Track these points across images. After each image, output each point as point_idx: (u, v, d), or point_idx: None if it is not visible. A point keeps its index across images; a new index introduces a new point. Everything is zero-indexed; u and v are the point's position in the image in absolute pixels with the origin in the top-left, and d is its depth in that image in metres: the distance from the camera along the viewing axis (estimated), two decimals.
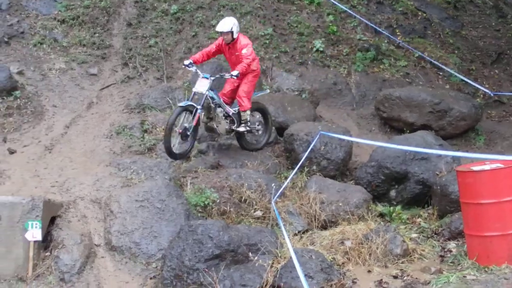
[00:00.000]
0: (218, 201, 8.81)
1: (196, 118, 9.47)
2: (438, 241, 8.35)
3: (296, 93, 12.77)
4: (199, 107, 9.46)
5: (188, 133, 9.44)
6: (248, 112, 10.22)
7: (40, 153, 10.07)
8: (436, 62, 14.36)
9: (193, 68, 9.83)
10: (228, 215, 8.74)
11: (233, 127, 10.20)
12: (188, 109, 9.45)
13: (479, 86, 12.20)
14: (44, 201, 7.81)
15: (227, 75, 9.81)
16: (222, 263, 7.11)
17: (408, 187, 9.79)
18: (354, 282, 7.36)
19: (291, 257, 7.04)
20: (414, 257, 7.88)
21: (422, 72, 14.74)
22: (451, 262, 7.58)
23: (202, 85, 9.49)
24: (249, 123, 10.31)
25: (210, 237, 7.18)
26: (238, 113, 10.21)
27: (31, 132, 10.85)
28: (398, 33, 15.62)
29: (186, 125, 9.40)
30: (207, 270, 7.00)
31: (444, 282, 6.80)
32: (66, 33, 13.50)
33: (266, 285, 7.06)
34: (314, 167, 10.17)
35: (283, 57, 13.96)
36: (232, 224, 8.27)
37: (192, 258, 7.09)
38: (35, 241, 7.60)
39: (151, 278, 7.59)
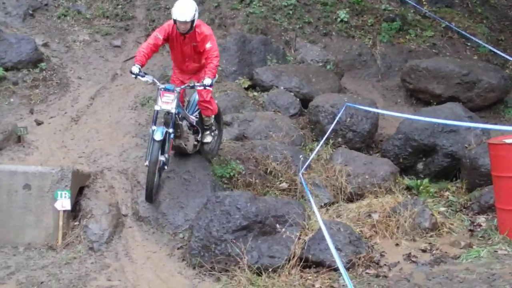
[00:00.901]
0: (243, 172, 8.80)
1: (170, 145, 8.06)
2: (467, 215, 8.28)
3: (321, 64, 12.65)
4: (170, 130, 7.80)
5: (166, 166, 8.08)
6: (213, 116, 8.64)
7: (67, 124, 10.11)
8: (463, 32, 14.07)
9: (149, 78, 7.85)
10: (253, 187, 8.73)
11: (199, 138, 8.61)
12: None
13: (508, 57, 11.96)
14: (72, 171, 7.86)
15: (198, 85, 7.92)
16: (249, 234, 7.12)
17: (436, 160, 9.71)
18: (382, 255, 7.33)
19: (319, 229, 7.05)
20: (443, 231, 7.82)
21: (449, 42, 14.48)
22: (481, 237, 7.51)
23: (168, 101, 7.70)
24: (213, 129, 8.80)
25: (237, 208, 7.18)
26: (201, 119, 8.55)
27: (57, 103, 10.88)
28: (424, 3, 15.30)
29: (163, 159, 7.87)
30: (234, 241, 7.01)
31: (475, 257, 6.75)
32: (89, 5, 13.45)
33: (293, 257, 7.06)
34: (340, 139, 10.11)
35: (307, 27, 13.82)
36: (258, 195, 8.26)
37: (220, 229, 7.11)
38: (64, 211, 7.68)
39: (178, 249, 7.63)
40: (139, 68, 7.71)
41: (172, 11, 7.83)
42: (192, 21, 7.74)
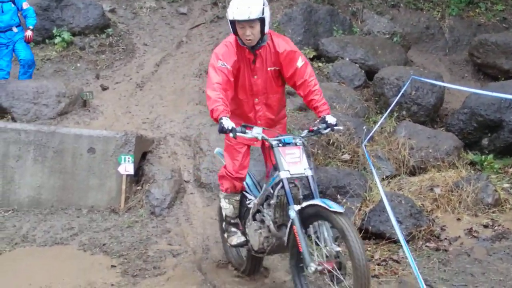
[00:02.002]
0: (306, 143, 8.71)
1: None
2: None
3: (387, 36, 12.37)
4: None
5: None
6: None
7: (132, 90, 10.25)
8: None
9: (257, 132, 5.02)
10: (315, 157, 8.66)
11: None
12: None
13: None
14: (136, 136, 7.98)
15: (325, 130, 5.21)
16: None
17: (501, 136, 9.42)
18: (443, 229, 7.21)
19: (380, 201, 6.97)
20: (506, 207, 7.64)
21: None
22: None
23: (296, 160, 5.06)
24: None
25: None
26: None
27: (122, 69, 11.04)
28: None
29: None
30: None
31: None
32: None
33: None
34: (404, 112, 9.91)
35: None
36: (320, 166, 8.20)
37: None
38: (127, 175, 7.81)
39: None
40: (233, 126, 4.79)
41: (228, 11, 5.17)
42: (262, 21, 4.97)
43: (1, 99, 9.01)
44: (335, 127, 5.11)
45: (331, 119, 5.08)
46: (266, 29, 5.03)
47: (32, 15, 10.00)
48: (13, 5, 9.92)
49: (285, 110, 5.84)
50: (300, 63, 5.18)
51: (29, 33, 9.91)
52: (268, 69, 5.25)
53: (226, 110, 4.91)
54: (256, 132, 4.99)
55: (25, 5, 9.95)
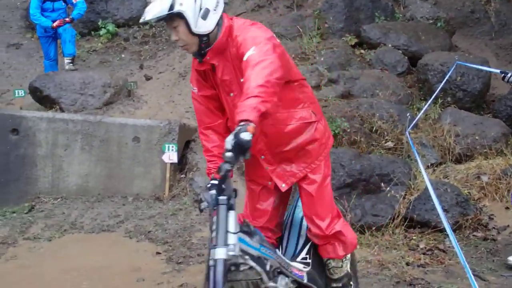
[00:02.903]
0: (348, 130, 8.67)
1: None
2: None
3: (431, 21, 12.16)
4: None
5: None
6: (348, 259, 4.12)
7: (174, 80, 10.33)
8: None
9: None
10: (358, 145, 8.59)
11: None
12: None
13: None
14: (180, 125, 8.05)
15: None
16: (353, 192, 7.07)
17: None
18: (491, 218, 7.12)
19: (425, 189, 6.91)
20: None
21: None
22: None
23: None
24: None
25: (342, 165, 7.13)
26: (318, 266, 4.09)
27: (165, 59, 11.13)
28: None
29: None
30: (338, 198, 6.94)
31: None
32: None
33: (397, 216, 6.98)
34: (449, 99, 9.76)
35: None
36: (362, 154, 8.16)
37: None
38: (171, 163, 7.89)
39: None
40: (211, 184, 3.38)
41: None
42: (180, 15, 3.42)
43: (49, 90, 9.19)
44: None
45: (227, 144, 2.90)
46: (194, 27, 3.44)
47: (80, 8, 10.09)
48: (63, 3, 10.08)
49: (316, 130, 3.72)
50: (250, 52, 3.32)
51: (66, 19, 9.94)
52: (241, 80, 3.39)
53: (210, 168, 3.94)
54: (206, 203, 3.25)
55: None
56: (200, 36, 3.51)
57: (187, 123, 8.55)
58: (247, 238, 3.32)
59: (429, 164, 8.44)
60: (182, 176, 8.11)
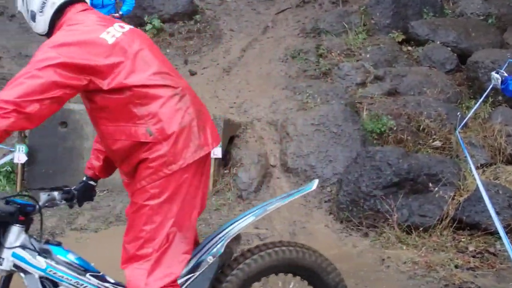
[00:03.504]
0: (394, 128, 8.52)
1: None
2: None
3: (481, 18, 11.86)
4: None
5: None
6: None
7: (219, 75, 10.31)
8: None
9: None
10: (404, 144, 8.44)
11: None
12: None
13: None
14: (224, 120, 7.99)
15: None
16: (400, 192, 6.89)
17: None
18: None
19: (475, 190, 6.71)
20: None
21: None
22: None
23: None
24: None
25: (389, 164, 6.97)
26: None
27: (209, 54, 11.12)
28: None
29: None
30: (384, 198, 6.82)
31: None
32: None
33: (446, 217, 6.77)
34: (500, 98, 9.46)
35: None
36: (410, 153, 7.98)
37: (370, 184, 6.94)
38: (215, 158, 7.83)
39: (325, 202, 7.57)
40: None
41: None
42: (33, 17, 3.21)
43: None
44: None
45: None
46: (33, 28, 3.26)
47: (129, 4, 10.14)
48: None
49: (150, 151, 2.99)
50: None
51: (115, 15, 9.99)
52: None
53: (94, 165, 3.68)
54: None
55: None
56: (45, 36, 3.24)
57: (231, 119, 8.50)
58: (29, 256, 3.06)
59: (479, 165, 8.19)
60: (226, 171, 8.07)
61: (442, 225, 6.73)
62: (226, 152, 8.18)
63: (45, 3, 3.15)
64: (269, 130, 8.67)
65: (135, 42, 3.04)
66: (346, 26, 11.21)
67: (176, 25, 11.89)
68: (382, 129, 8.45)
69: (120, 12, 10.07)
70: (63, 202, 3.35)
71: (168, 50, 11.32)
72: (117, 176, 7.71)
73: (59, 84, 2.79)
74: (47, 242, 3.19)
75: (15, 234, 3.04)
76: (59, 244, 3.21)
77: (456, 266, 5.99)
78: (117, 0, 10.24)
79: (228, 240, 3.22)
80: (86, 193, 3.46)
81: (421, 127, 8.64)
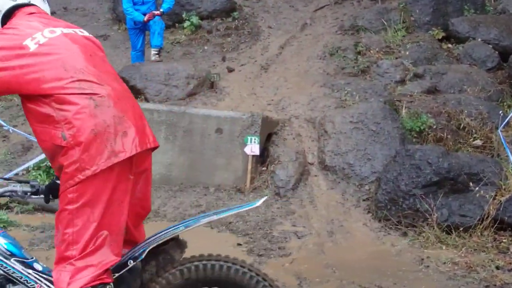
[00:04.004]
0: (434, 127, 8.44)
1: None
2: None
3: None
4: None
5: None
6: None
7: (256, 72, 10.32)
8: None
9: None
10: (444, 142, 8.35)
11: None
12: None
13: None
14: (262, 117, 8.03)
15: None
16: (440, 191, 6.82)
17: None
18: None
19: None
20: None
21: None
22: None
23: None
24: None
25: (428, 163, 6.90)
26: None
27: (247, 52, 11.14)
28: None
29: None
30: (424, 197, 6.76)
31: None
32: None
33: (487, 217, 6.67)
34: None
35: None
36: (450, 151, 7.89)
37: (409, 183, 6.89)
38: (253, 156, 7.88)
39: (363, 200, 7.54)
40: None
41: None
42: None
43: (135, 80, 9.41)
44: None
45: None
46: None
47: (170, 2, 10.26)
48: None
49: (63, 156, 3.03)
50: None
51: (156, 12, 10.11)
52: None
53: None
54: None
55: None
56: None
57: (269, 116, 8.51)
58: None
59: None
60: (264, 168, 8.08)
61: (483, 225, 6.64)
62: (264, 150, 8.20)
63: None
64: (307, 128, 8.66)
65: (60, 48, 3.10)
66: (385, 23, 11.13)
67: (214, 22, 11.93)
68: (422, 128, 8.38)
69: (161, 10, 10.16)
70: (27, 195, 3.40)
71: (206, 47, 11.38)
72: (155, 171, 7.79)
73: None
74: None
75: None
76: None
77: (497, 267, 5.92)
78: None
79: (150, 248, 3.19)
80: (52, 191, 3.41)
81: (462, 125, 8.55)
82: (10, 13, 3.29)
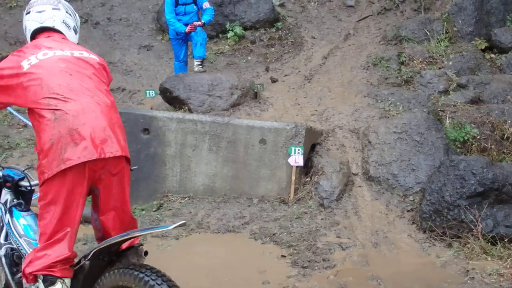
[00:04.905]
0: (478, 137, 8.40)
1: None
2: None
3: None
4: None
5: None
6: None
7: (300, 82, 10.40)
8: None
9: None
10: (488, 152, 8.30)
11: None
12: None
13: None
14: (306, 128, 8.07)
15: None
16: (484, 202, 6.80)
17: None
18: None
19: None
20: None
21: None
22: None
23: None
24: None
25: (473, 173, 6.88)
26: None
27: (291, 62, 11.23)
28: None
29: None
30: (468, 207, 6.75)
31: None
32: None
33: None
34: None
35: None
36: (494, 162, 7.84)
37: (453, 194, 6.88)
38: (297, 166, 7.92)
39: (408, 211, 7.54)
40: None
41: None
42: None
43: (179, 91, 9.50)
44: None
45: None
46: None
47: (210, 13, 10.38)
48: (195, 6, 10.37)
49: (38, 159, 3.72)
50: None
51: (197, 23, 10.22)
52: None
53: None
54: None
55: (205, 5, 10.34)
56: None
57: (313, 126, 8.57)
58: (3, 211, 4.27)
59: None
60: (307, 179, 8.11)
61: None
62: (308, 160, 8.24)
63: (25, 28, 4.07)
64: (351, 138, 8.70)
65: (43, 68, 3.65)
66: (428, 33, 11.13)
67: (257, 33, 12.07)
68: (466, 138, 8.36)
69: (203, 21, 10.29)
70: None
71: (249, 57, 11.52)
72: (199, 182, 7.98)
73: None
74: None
75: (3, 195, 4.24)
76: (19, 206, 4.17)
77: None
78: (198, 8, 10.46)
79: (95, 249, 3.62)
80: None
81: (505, 135, 8.48)
82: (36, 33, 3.99)
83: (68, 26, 4.09)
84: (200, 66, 10.33)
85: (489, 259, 6.40)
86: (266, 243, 6.94)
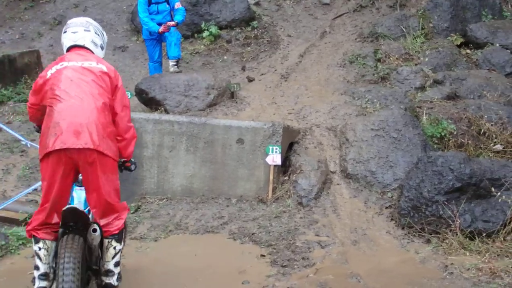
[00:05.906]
0: (455, 133, 8.44)
1: None
2: None
3: None
4: None
5: None
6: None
7: (277, 81, 10.38)
8: None
9: None
10: (465, 148, 8.35)
11: None
12: None
13: None
14: (283, 127, 8.05)
15: None
16: (462, 197, 6.82)
17: None
18: None
19: None
20: None
21: None
22: None
23: None
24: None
25: (450, 169, 6.90)
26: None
27: (267, 61, 11.21)
28: None
29: None
30: (446, 203, 6.77)
31: None
32: None
33: (509, 222, 6.66)
34: None
35: None
36: (471, 157, 7.87)
37: (431, 190, 6.89)
38: (275, 165, 7.90)
39: (386, 208, 7.55)
40: None
41: None
42: None
43: (155, 92, 9.42)
44: None
45: None
46: None
47: (182, 13, 10.31)
48: (167, 5, 10.30)
49: None
50: None
51: (170, 23, 10.15)
52: None
53: None
54: None
55: (177, 5, 10.27)
56: None
57: (290, 125, 8.55)
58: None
59: None
60: (286, 178, 8.10)
61: (506, 230, 6.63)
62: (286, 159, 8.22)
63: (62, 44, 5.09)
64: (329, 136, 8.69)
65: (56, 76, 4.67)
66: (404, 30, 11.18)
67: (233, 32, 12.02)
68: (443, 134, 8.40)
69: (175, 21, 10.22)
70: None
71: (225, 57, 11.48)
72: (177, 183, 7.93)
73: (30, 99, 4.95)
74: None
75: None
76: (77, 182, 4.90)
77: None
78: (171, 8, 10.38)
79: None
80: None
81: (482, 131, 8.53)
82: (70, 48, 4.99)
83: (96, 44, 5.07)
84: (176, 67, 10.26)
85: (468, 254, 6.42)
86: (245, 242, 6.91)
